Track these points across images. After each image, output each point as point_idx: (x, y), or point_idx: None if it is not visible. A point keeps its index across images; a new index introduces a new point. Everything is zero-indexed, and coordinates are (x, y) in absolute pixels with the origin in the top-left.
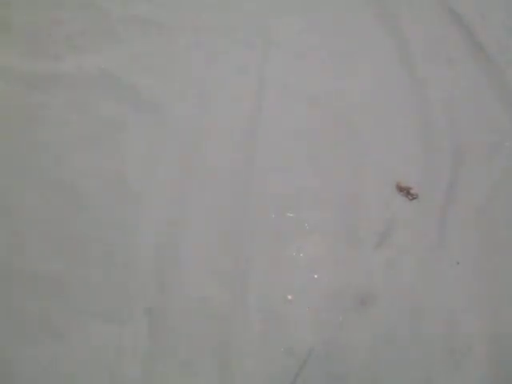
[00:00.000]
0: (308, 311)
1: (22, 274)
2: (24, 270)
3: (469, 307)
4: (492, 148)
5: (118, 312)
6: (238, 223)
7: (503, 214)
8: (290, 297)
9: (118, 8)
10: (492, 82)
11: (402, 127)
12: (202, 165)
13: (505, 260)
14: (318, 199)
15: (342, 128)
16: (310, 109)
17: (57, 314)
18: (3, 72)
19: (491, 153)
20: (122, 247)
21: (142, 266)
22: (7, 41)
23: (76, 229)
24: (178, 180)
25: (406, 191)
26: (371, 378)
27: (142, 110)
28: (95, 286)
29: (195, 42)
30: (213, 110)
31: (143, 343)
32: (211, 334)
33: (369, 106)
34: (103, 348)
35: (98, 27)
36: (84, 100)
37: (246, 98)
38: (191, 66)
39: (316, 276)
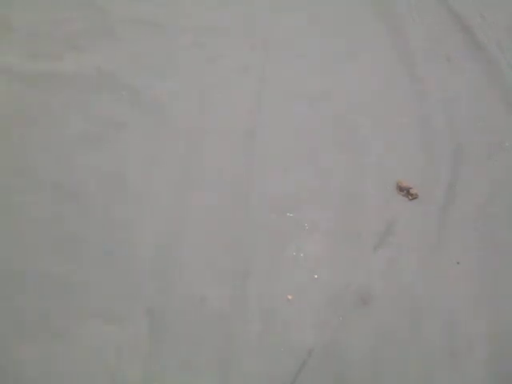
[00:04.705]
0: (308, 311)
1: (22, 274)
2: (24, 270)
3: (469, 307)
4: (492, 148)
5: (118, 312)
6: (238, 223)
7: (503, 214)
8: (289, 297)
9: (118, 8)
10: (492, 81)
11: (402, 127)
12: (202, 165)
13: (505, 260)
14: (318, 199)
15: (342, 128)
16: (310, 109)
17: (57, 314)
18: (3, 72)
19: (491, 153)
20: (122, 247)
21: (142, 265)
22: (7, 41)
23: (76, 229)
24: (177, 180)
25: (406, 191)
26: (371, 378)
27: (142, 109)
28: (95, 286)
29: (195, 41)
30: (213, 109)
31: (143, 343)
32: (211, 334)
33: (369, 106)
34: (103, 348)
35: (97, 27)
36: (84, 100)
37: (246, 97)
38: (191, 66)
39: (316, 276)
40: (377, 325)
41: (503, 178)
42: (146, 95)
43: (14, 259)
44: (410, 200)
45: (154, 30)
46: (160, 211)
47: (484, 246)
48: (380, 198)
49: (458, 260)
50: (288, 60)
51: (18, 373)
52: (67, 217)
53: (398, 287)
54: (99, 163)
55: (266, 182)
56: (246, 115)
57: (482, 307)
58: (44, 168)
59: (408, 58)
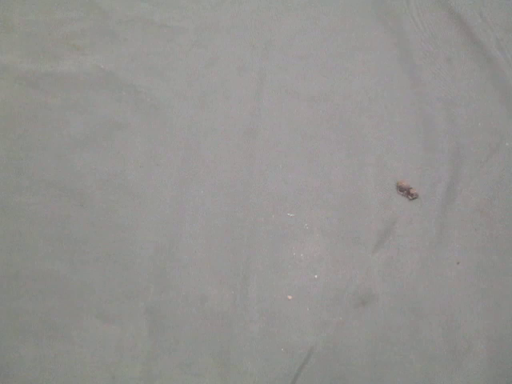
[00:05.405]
0: (308, 311)
1: (22, 273)
2: (24, 270)
3: (469, 307)
4: (492, 148)
5: (118, 312)
6: (238, 223)
7: (503, 214)
8: (289, 297)
9: (118, 8)
10: (492, 81)
11: (401, 127)
12: (202, 165)
13: (505, 260)
14: (317, 199)
15: (342, 128)
16: (310, 109)
17: (57, 314)
18: (3, 72)
19: (491, 153)
20: (122, 247)
21: (142, 265)
22: (7, 41)
23: (76, 229)
24: (177, 180)
25: (406, 191)
26: (371, 378)
27: (142, 110)
28: (95, 286)
29: (195, 41)
30: (213, 109)
31: (143, 343)
32: (211, 334)
33: (369, 106)
34: (103, 348)
35: (98, 27)
36: (84, 100)
37: (245, 97)
38: (191, 66)
39: (316, 276)
40: (377, 325)
41: (503, 178)
42: (146, 95)
43: (14, 259)
44: (410, 200)
45: (154, 30)
46: (160, 211)
47: (484, 245)
48: (380, 198)
49: (457, 260)
50: (288, 60)
51: (18, 373)
52: (67, 217)
53: (398, 287)
54: (99, 163)
55: (266, 181)
56: (246, 115)
57: (482, 307)
58: (44, 168)
59: (408, 58)
